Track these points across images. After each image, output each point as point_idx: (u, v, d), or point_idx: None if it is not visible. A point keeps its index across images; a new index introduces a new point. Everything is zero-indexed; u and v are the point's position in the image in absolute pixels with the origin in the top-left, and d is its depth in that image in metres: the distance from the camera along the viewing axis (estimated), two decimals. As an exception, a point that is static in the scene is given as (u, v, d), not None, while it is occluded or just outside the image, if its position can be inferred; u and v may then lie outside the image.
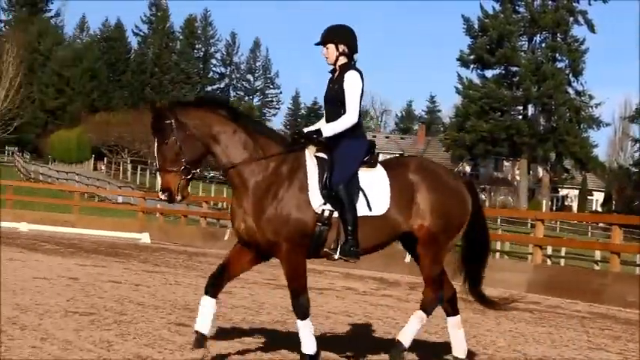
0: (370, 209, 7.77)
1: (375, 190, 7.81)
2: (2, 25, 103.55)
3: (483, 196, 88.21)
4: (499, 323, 12.42)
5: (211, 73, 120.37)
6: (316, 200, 7.70)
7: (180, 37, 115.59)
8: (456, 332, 8.18)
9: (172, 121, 7.66)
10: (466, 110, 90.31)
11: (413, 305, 11.06)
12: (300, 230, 7.63)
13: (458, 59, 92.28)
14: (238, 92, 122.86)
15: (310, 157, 7.85)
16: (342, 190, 7.67)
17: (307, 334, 7.66)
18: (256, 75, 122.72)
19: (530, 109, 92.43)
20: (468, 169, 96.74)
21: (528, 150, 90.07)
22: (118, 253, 22.80)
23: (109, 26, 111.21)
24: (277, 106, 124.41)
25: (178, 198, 7.73)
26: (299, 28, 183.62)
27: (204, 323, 7.62)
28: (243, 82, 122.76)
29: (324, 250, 7.75)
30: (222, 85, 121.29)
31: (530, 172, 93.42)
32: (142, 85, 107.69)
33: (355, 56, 8.00)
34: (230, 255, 7.90)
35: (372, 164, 7.93)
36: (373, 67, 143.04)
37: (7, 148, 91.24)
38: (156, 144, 7.73)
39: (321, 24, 15.25)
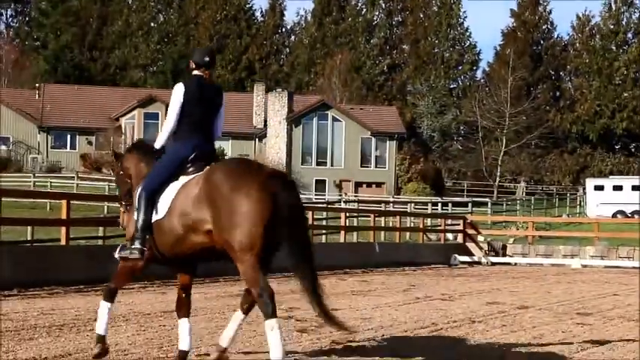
0: (157, 213, 7.97)
1: (168, 194, 7.94)
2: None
3: None
4: None
5: None
6: None
7: None
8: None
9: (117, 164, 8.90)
10: None
11: None
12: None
13: None
14: None
15: None
16: (136, 194, 8.17)
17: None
18: None
19: None
20: None
21: None
22: None
23: None
24: None
25: (120, 227, 8.88)
26: None
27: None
28: None
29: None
30: None
31: None
32: None
33: (200, 71, 8.34)
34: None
35: (195, 169, 7.99)
36: None
37: None
38: None
39: None
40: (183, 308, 8.28)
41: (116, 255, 8.19)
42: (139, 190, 8.16)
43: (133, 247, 8.05)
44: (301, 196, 8.03)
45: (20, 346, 8.99)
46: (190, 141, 8.16)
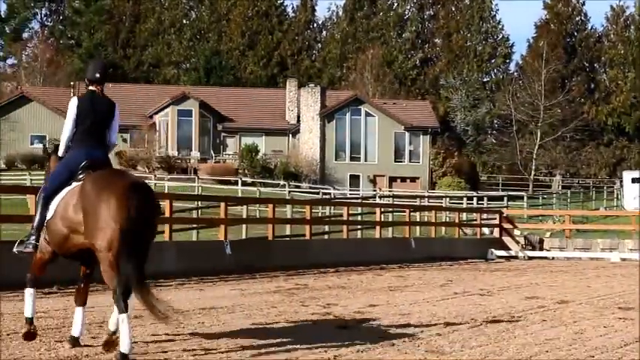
0: (49, 214, 8.77)
1: (58, 198, 8.73)
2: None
3: None
4: None
5: None
6: None
7: None
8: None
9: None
10: None
11: None
12: None
13: None
14: None
15: None
16: (37, 196, 9.18)
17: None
18: None
19: None
20: None
21: None
22: None
23: None
24: None
25: None
26: None
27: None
28: None
29: None
30: None
31: None
32: None
33: (93, 86, 9.17)
34: None
35: (84, 177, 8.71)
36: None
37: None
38: None
39: None
40: (80, 297, 9.05)
41: (14, 249, 9.09)
42: (39, 191, 9.13)
43: (27, 242, 8.99)
44: (158, 204, 8.95)
45: (62, 343, 9.03)
46: (83, 149, 9.01)
